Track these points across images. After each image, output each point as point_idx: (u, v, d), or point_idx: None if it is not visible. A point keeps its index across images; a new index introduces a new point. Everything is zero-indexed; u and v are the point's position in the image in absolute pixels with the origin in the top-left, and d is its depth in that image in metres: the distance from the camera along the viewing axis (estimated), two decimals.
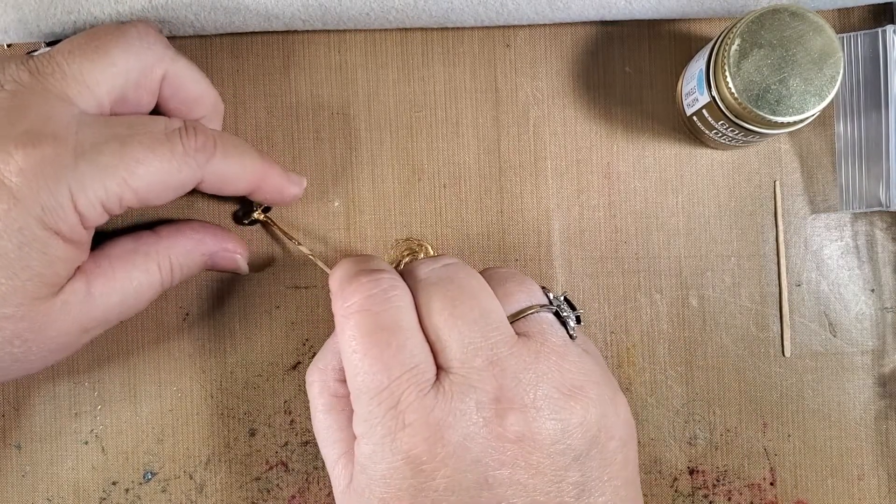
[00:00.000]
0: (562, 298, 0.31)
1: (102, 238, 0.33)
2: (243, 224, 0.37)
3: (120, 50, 0.31)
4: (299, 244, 0.37)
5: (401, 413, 0.27)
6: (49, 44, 0.33)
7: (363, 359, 0.28)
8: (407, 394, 0.27)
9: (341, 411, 0.31)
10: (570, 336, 0.30)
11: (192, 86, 0.33)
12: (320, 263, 0.36)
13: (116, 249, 0.32)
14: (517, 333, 0.29)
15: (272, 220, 0.37)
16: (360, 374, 0.28)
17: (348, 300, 0.29)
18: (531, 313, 0.30)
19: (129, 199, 0.30)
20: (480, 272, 0.31)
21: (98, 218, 0.29)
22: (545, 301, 0.31)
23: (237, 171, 0.33)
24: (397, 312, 0.28)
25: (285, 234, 0.37)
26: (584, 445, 0.28)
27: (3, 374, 0.30)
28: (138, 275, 0.32)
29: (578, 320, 0.31)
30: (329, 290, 0.30)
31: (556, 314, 0.31)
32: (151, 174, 0.30)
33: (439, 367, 0.28)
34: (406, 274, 0.31)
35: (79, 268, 0.31)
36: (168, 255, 0.33)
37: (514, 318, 0.30)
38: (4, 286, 0.28)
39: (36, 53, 0.31)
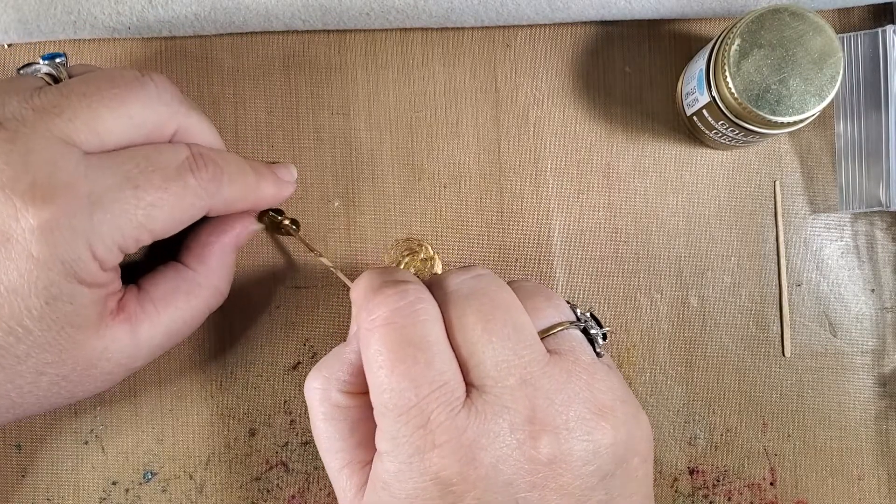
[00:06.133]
0: (588, 315, 0.31)
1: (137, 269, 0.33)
2: (279, 234, 0.38)
3: (139, 104, 0.29)
4: (320, 255, 0.37)
5: (430, 433, 0.26)
6: (47, 58, 0.31)
7: (390, 375, 0.27)
8: (437, 413, 0.26)
9: (342, 420, 0.30)
10: (598, 354, 0.30)
11: (200, 139, 0.32)
12: (341, 276, 0.36)
13: (160, 291, 0.32)
14: (547, 350, 0.28)
15: (295, 233, 0.37)
16: (386, 391, 0.27)
17: (373, 313, 0.28)
18: (560, 330, 0.29)
19: (144, 239, 0.29)
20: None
21: (116, 260, 0.29)
22: (573, 317, 0.30)
23: (241, 194, 0.32)
24: (425, 326, 0.27)
25: (307, 245, 0.37)
26: (612, 466, 0.28)
27: (49, 407, 0.30)
28: (181, 314, 0.32)
29: (605, 337, 0.31)
30: (350, 302, 0.30)
31: (584, 331, 0.30)
32: (167, 214, 0.29)
33: (469, 384, 0.27)
34: (433, 285, 0.30)
35: (122, 312, 0.30)
36: (211, 286, 0.33)
37: (544, 335, 0.29)
38: (41, 338, 0.27)
39: (31, 72, 0.30)
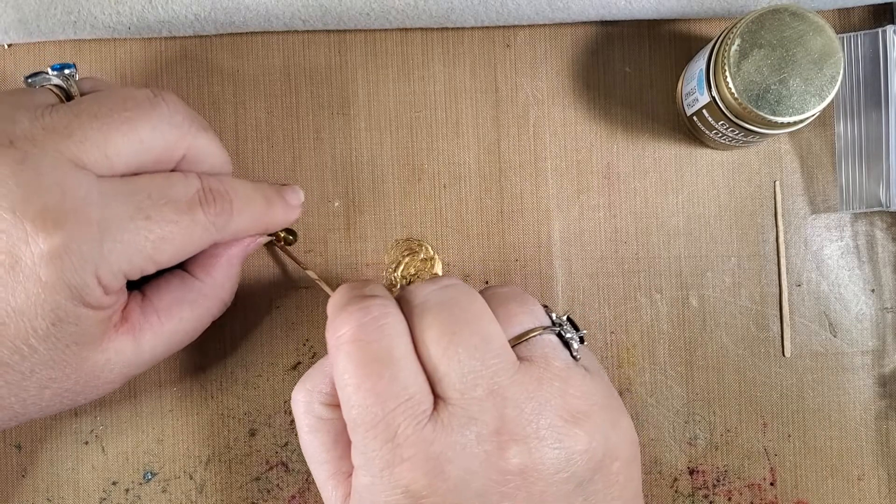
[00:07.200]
0: (564, 318, 0.31)
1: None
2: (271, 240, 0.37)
3: (150, 127, 0.29)
4: (305, 268, 0.37)
5: (398, 446, 0.26)
6: (57, 68, 0.30)
7: (356, 391, 0.27)
8: (403, 426, 0.27)
9: (326, 433, 0.30)
10: (574, 358, 0.30)
11: (209, 160, 0.32)
12: (325, 288, 0.36)
13: (164, 301, 0.32)
14: (519, 358, 0.28)
15: (282, 247, 0.37)
16: (354, 407, 0.27)
17: (339, 330, 0.28)
18: (533, 336, 0.29)
19: (149, 269, 0.29)
20: (481, 291, 0.30)
21: (119, 285, 0.28)
22: (548, 322, 0.30)
23: (250, 224, 0.32)
24: (390, 341, 0.27)
25: (293, 257, 0.37)
26: (588, 472, 0.27)
27: (51, 413, 0.31)
28: (185, 324, 0.32)
29: (582, 341, 0.30)
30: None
31: (559, 335, 0.30)
32: (175, 246, 0.29)
33: (437, 396, 0.28)
34: (402, 299, 0.30)
35: (126, 322, 0.30)
36: (216, 297, 0.33)
37: (516, 342, 0.29)
38: (46, 355, 0.28)
39: (39, 81, 0.30)
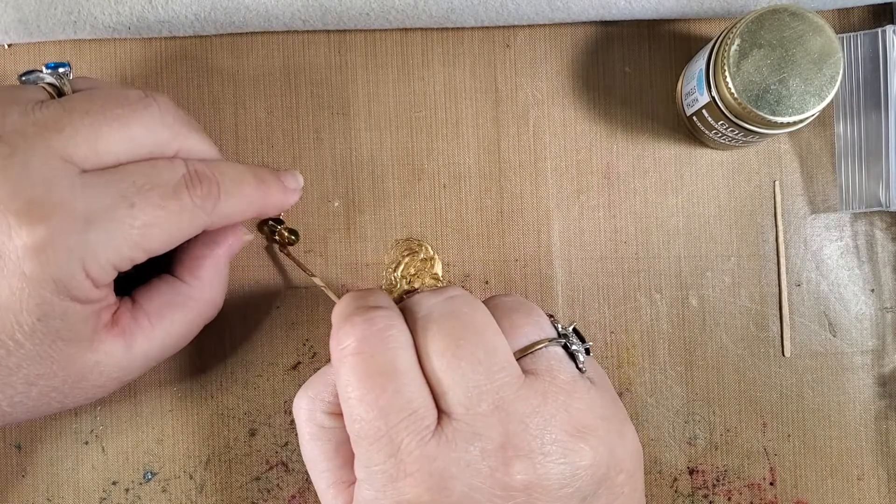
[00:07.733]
0: (570, 330, 0.30)
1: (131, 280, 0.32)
2: (273, 242, 0.37)
3: (141, 126, 0.29)
4: (312, 275, 0.37)
5: (401, 462, 0.26)
6: (51, 67, 0.30)
7: (359, 404, 0.27)
8: (407, 441, 0.26)
9: (327, 441, 0.30)
10: (580, 370, 0.29)
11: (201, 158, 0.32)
12: (331, 295, 0.36)
13: (154, 305, 0.31)
14: (524, 370, 0.28)
15: (289, 252, 0.37)
16: (357, 421, 0.27)
17: (343, 341, 0.28)
18: (539, 348, 0.28)
19: (139, 257, 0.29)
20: (485, 301, 0.30)
21: (109, 277, 0.28)
22: (553, 334, 0.30)
23: (241, 207, 0.32)
24: (394, 354, 0.27)
25: (300, 265, 0.37)
26: (593, 486, 0.27)
27: (40, 415, 0.30)
28: (176, 327, 0.32)
29: (588, 352, 0.30)
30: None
31: (565, 347, 0.29)
32: (164, 232, 0.29)
33: (441, 411, 0.27)
34: (406, 310, 0.29)
35: (116, 325, 0.30)
36: (205, 299, 0.33)
37: (521, 355, 0.28)
38: (33, 351, 0.27)
39: (33, 79, 0.30)
